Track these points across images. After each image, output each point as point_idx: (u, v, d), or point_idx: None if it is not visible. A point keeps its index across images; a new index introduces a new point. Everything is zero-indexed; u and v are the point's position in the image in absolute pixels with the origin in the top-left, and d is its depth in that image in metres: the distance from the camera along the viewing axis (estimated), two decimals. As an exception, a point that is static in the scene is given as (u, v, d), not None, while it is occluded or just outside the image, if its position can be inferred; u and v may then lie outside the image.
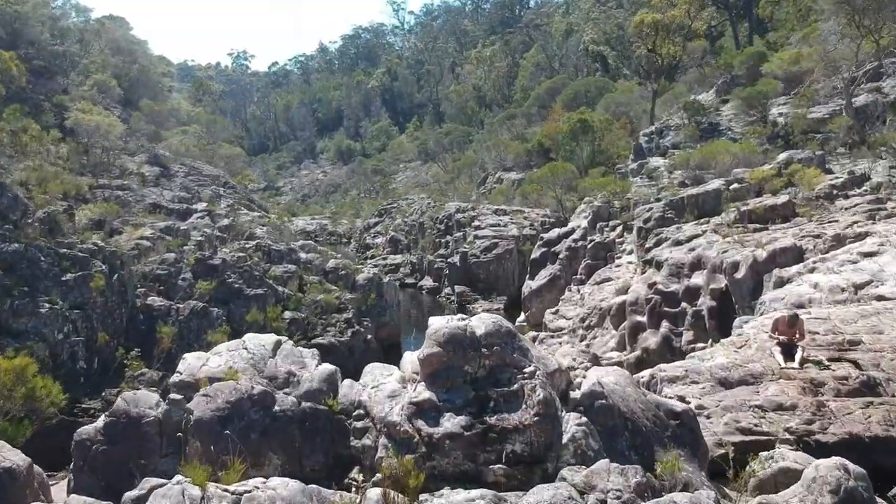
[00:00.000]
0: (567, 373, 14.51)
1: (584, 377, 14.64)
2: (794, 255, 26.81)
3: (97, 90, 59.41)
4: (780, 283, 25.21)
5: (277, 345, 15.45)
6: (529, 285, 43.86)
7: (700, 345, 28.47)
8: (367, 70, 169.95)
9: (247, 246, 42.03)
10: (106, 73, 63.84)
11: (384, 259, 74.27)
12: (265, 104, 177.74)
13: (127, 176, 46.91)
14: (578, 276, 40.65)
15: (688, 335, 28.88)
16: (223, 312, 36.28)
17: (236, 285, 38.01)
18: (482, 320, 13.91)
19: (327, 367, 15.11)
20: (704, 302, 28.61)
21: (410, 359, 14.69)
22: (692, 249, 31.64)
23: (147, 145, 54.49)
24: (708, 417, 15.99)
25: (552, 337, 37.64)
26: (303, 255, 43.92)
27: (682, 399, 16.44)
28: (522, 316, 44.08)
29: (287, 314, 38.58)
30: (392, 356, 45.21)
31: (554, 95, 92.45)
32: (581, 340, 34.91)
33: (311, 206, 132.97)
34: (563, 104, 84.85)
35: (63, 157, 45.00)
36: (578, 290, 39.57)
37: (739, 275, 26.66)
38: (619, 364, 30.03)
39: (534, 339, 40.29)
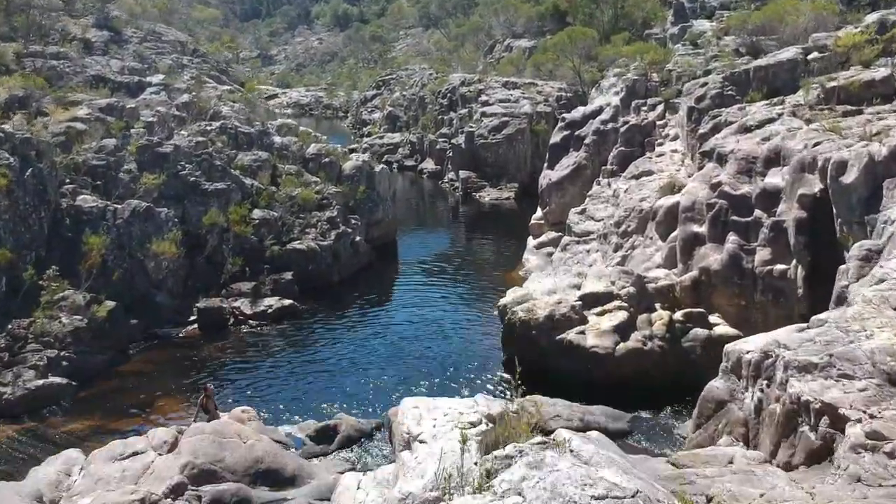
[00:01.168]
0: None
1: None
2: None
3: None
4: (909, 191, 18.30)
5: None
6: (548, 176, 36.78)
7: (780, 267, 21.82)
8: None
9: (208, 128, 34.77)
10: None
11: (381, 138, 66.74)
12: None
13: (67, 42, 39.07)
14: (609, 167, 33.55)
15: (763, 254, 22.17)
16: (174, 214, 29.48)
17: (192, 178, 31.05)
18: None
19: None
20: (789, 211, 21.73)
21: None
22: (766, 139, 24.49)
23: (97, 4, 46.15)
24: None
25: (578, 243, 30.93)
26: (277, 140, 36.71)
27: (833, 413, 9.94)
28: (540, 212, 37.23)
29: (257, 213, 31.78)
30: (386, 260, 39.21)
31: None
32: (616, 250, 28.21)
33: (307, 76, 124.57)
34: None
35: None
36: (609, 185, 32.56)
37: (848, 178, 19.65)
38: (669, 289, 23.48)
39: (555, 245, 33.63)
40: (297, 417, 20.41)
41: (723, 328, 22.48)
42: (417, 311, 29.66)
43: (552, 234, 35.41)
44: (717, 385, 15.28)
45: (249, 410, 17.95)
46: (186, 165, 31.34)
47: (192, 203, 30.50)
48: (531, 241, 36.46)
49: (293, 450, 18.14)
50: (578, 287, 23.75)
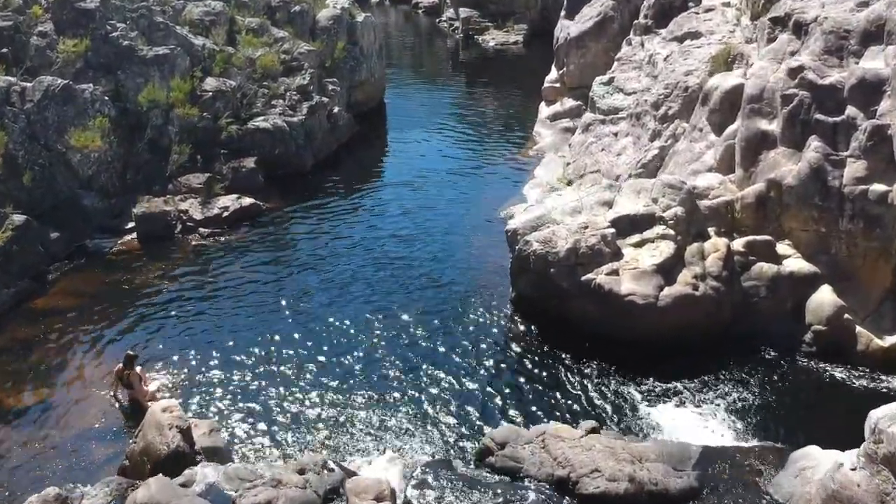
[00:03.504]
0: None
1: None
2: None
3: None
4: None
5: None
6: (566, 29, 30.42)
7: (878, 187, 16.58)
8: None
9: (148, -29, 28.03)
10: None
11: (370, -36, 58.59)
12: None
13: None
14: (642, 21, 27.27)
15: (855, 168, 16.85)
16: (102, 91, 23.70)
17: (126, 42, 24.96)
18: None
19: None
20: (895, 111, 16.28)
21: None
22: (864, 3, 18.49)
23: None
24: None
25: (604, 122, 25.26)
26: (236, -16, 29.98)
27: None
28: (555, 73, 31.18)
29: (210, 84, 25.94)
30: (371, 132, 33.36)
31: None
32: (653, 138, 22.67)
33: None
34: None
35: None
36: (643, 45, 26.46)
37: None
38: (727, 207, 18.29)
39: (572, 118, 28.01)
40: (255, 406, 15.59)
41: (795, 262, 17.52)
42: (408, 209, 24.48)
43: (570, 103, 29.66)
44: (854, 479, 10.38)
45: (173, 407, 13.34)
46: (118, 25, 25.14)
47: (127, 75, 24.60)
48: (544, 110, 30.70)
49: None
50: (610, 205, 18.49)
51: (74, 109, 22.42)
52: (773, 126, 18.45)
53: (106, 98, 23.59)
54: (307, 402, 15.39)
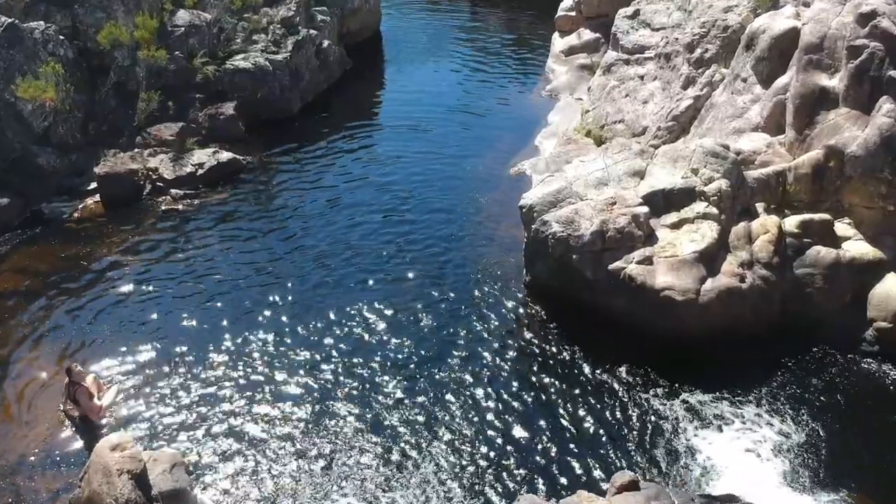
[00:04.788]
0: None
1: None
2: None
3: None
4: None
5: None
6: (583, -51, 27.10)
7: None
8: None
9: None
10: None
11: None
12: None
13: None
14: (672, -57, 24.00)
15: (937, 137, 14.25)
16: (56, 30, 20.75)
17: (83, -30, 21.82)
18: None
19: None
20: None
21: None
22: (949, -68, 15.50)
23: None
24: None
25: (628, 63, 22.34)
26: None
27: None
28: (569, 0, 27.96)
29: (181, 17, 22.94)
30: (366, 66, 30.23)
31: None
32: (686, 86, 19.86)
33: None
34: None
35: None
36: (673, -28, 23.30)
37: None
38: (778, 178, 15.72)
39: (590, 52, 25.16)
40: (235, 424, 13.36)
41: (856, 246, 15.08)
42: (407, 160, 21.87)
43: (587, 35, 26.69)
44: None
45: (125, 443, 11.09)
46: (74, -52, 21.96)
47: (85, 9, 21.57)
48: (557, 42, 27.67)
49: None
50: (641, 175, 15.87)
51: (23, 53, 19.53)
52: (835, 82, 15.73)
53: (61, 38, 20.65)
54: (294, 420, 13.14)
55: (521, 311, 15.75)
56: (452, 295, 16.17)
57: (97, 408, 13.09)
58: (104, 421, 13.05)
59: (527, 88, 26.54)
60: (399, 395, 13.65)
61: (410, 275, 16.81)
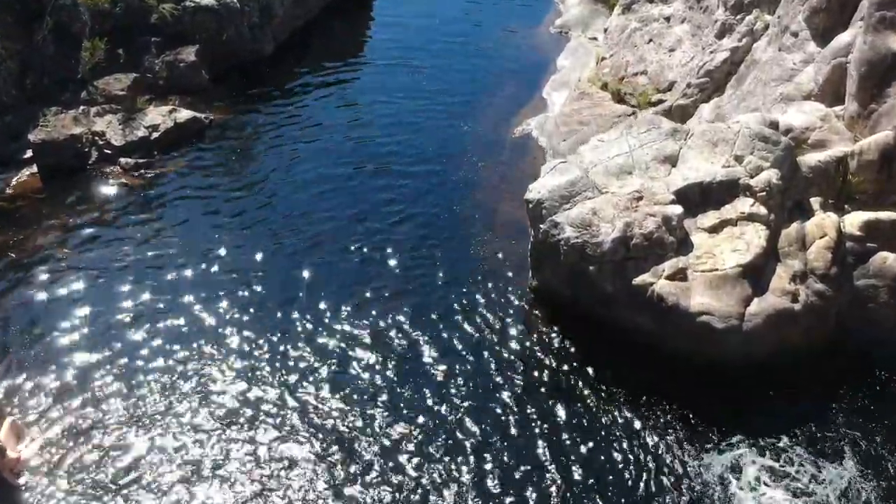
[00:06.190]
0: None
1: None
2: None
3: None
4: None
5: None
6: None
7: None
8: None
9: None
10: None
11: None
12: None
13: None
14: None
15: None
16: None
17: None
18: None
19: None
20: None
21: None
22: None
23: None
24: None
25: (652, 1, 19.28)
26: None
27: None
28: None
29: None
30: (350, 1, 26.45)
31: None
32: (722, 35, 16.92)
33: None
34: None
35: None
36: None
37: None
38: (839, 164, 13.08)
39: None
40: (194, 473, 11.13)
41: (931, 251, 12.52)
42: (397, 114, 19.18)
43: (602, -37, 23.30)
44: None
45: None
46: None
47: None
48: (568, -32, 24.35)
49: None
50: (673, 161, 13.15)
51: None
52: (913, 44, 12.86)
53: (-15, -26, 17.55)
54: (271, 457, 10.86)
55: (522, 323, 13.24)
56: (441, 295, 13.68)
57: (13, 462, 10.81)
58: (22, 480, 10.78)
59: (534, 22, 23.41)
60: (376, 430, 11.34)
61: (392, 275, 14.25)
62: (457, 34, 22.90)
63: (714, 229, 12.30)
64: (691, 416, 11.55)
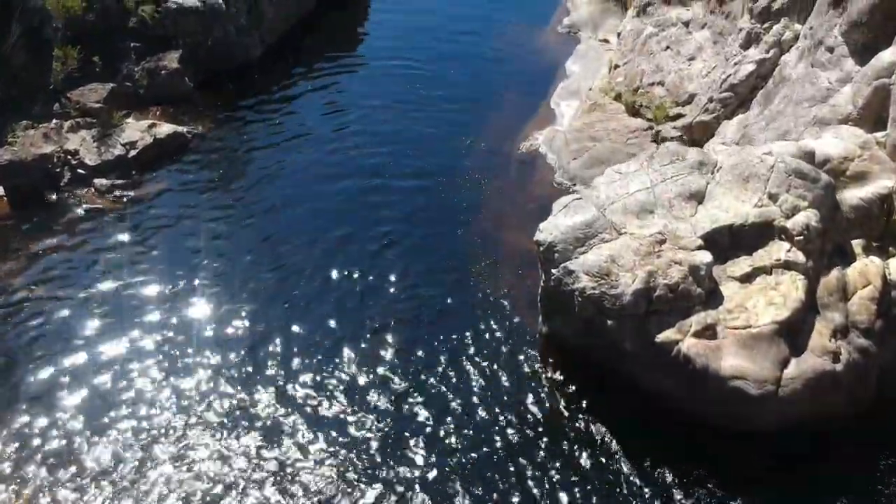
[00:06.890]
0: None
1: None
2: None
3: None
4: None
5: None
6: None
7: None
8: None
9: None
10: None
11: None
12: None
13: None
14: None
15: None
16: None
17: None
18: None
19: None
20: None
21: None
22: None
23: None
24: None
25: (670, 3, 17.89)
26: None
27: None
28: None
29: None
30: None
31: None
32: (748, 45, 15.54)
33: None
34: None
35: None
36: None
37: None
38: (883, 202, 11.84)
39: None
40: None
41: None
42: (393, 124, 17.98)
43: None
44: None
45: None
46: None
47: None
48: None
49: None
50: (700, 198, 11.85)
51: None
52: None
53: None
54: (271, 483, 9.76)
55: (530, 378, 11.98)
56: (441, 338, 12.46)
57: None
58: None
59: (540, 21, 22.01)
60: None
61: (385, 316, 13.00)
62: (459, 32, 21.56)
63: (746, 278, 11.05)
64: (713, 483, 10.40)
